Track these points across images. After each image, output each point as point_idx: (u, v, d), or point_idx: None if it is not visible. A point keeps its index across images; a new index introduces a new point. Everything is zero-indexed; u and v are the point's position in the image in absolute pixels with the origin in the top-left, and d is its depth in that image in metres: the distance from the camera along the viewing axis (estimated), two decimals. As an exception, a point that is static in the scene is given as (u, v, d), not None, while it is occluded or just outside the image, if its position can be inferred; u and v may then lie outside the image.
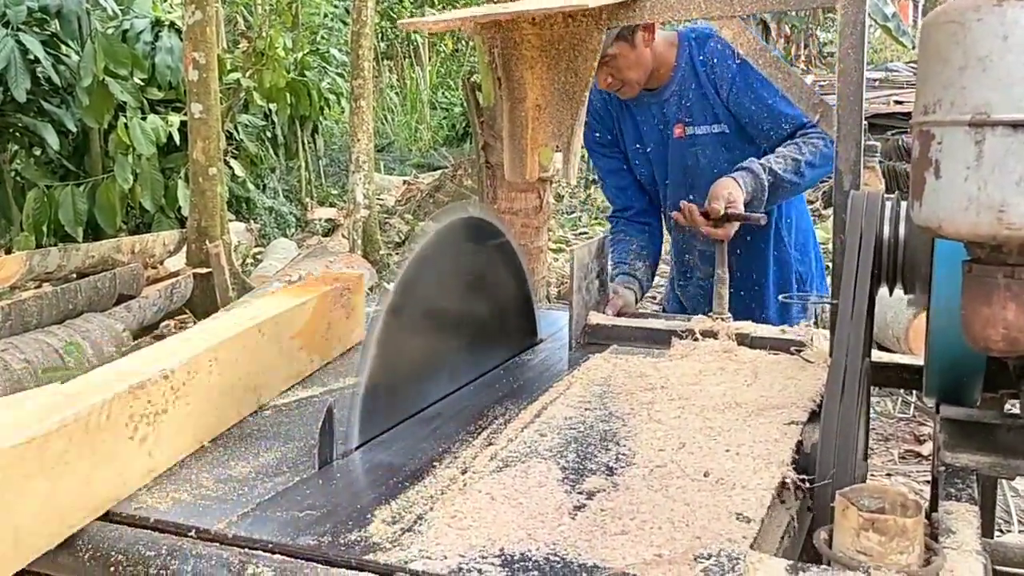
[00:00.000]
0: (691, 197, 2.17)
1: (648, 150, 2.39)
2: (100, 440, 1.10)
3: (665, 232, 2.60)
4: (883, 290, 1.32)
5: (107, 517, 1.09)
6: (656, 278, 2.76)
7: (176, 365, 1.24)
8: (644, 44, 2.20)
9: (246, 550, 0.99)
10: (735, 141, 2.26)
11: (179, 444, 1.25)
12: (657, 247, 2.53)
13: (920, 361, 1.42)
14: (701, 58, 2.26)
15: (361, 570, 0.94)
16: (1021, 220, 0.89)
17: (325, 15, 12.68)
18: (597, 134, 2.46)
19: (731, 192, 2.05)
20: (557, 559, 0.93)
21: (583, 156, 5.06)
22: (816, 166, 2.14)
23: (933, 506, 1.24)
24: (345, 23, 11.83)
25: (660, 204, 2.49)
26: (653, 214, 2.52)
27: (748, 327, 1.77)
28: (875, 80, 9.53)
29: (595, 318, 1.85)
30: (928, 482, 2.07)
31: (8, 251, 6.15)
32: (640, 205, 2.49)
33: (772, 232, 2.39)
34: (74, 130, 6.84)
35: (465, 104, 7.30)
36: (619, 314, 2.04)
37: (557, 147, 1.87)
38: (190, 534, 1.04)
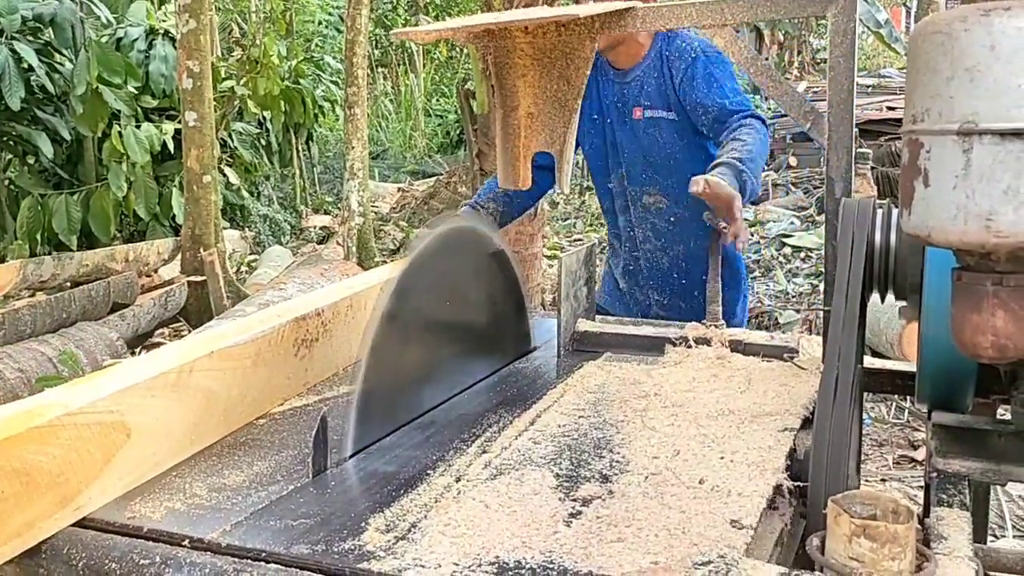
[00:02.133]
0: (650, 174, 2.44)
1: (606, 123, 2.51)
2: (277, 353, 1.48)
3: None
4: (875, 295, 1.33)
5: (101, 526, 1.09)
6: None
7: (325, 305, 1.60)
8: None
9: (240, 559, 1.00)
10: (685, 129, 2.42)
11: (326, 368, 1.62)
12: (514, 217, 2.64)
13: (912, 367, 1.43)
14: (667, 53, 2.42)
15: (355, 579, 0.95)
16: (1009, 228, 0.89)
17: (319, 23, 12.71)
18: None
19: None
20: (553, 567, 0.94)
21: (577, 163, 5.06)
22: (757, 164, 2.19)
23: (926, 512, 1.25)
24: (339, 31, 11.86)
25: (601, 177, 2.59)
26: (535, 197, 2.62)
27: (741, 334, 1.78)
28: (868, 86, 9.57)
29: (584, 325, 1.86)
30: (922, 487, 2.08)
31: (2, 260, 6.13)
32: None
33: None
34: (68, 138, 6.82)
35: (459, 111, 7.31)
36: None
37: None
38: (184, 543, 1.04)
